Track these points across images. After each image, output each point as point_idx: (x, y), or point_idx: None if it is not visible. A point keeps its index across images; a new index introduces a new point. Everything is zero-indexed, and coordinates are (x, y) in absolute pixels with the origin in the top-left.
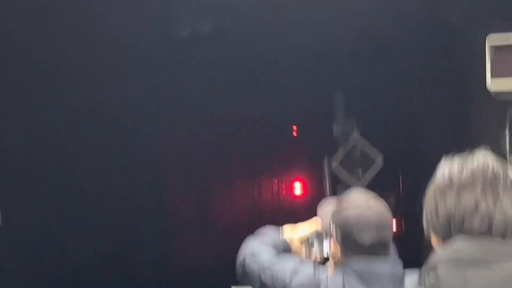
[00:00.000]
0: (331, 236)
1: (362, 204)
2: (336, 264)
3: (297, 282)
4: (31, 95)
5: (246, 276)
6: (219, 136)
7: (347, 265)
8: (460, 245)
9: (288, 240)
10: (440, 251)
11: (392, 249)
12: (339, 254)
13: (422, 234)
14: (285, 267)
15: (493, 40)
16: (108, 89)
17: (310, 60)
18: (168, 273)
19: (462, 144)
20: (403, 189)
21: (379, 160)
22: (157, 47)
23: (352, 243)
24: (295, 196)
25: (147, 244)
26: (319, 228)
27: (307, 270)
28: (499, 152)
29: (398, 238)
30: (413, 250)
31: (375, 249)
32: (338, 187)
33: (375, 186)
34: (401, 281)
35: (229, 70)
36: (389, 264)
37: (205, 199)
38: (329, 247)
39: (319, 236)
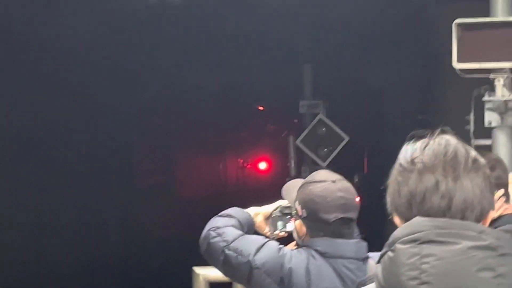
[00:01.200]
0: (296, 213)
1: (328, 182)
2: (300, 241)
3: (260, 257)
4: None
5: (209, 251)
6: (184, 107)
7: (311, 242)
8: (418, 224)
9: (252, 216)
10: (399, 230)
11: (356, 230)
12: (303, 231)
13: (387, 214)
14: (249, 242)
15: (460, 19)
16: (75, 58)
17: (275, 36)
18: (131, 244)
19: (428, 123)
20: (368, 167)
21: (343, 138)
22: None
23: (317, 220)
24: (260, 172)
25: (111, 213)
26: (283, 204)
27: (271, 246)
28: (464, 132)
29: (363, 218)
30: (377, 231)
31: (339, 227)
32: (303, 164)
33: (340, 164)
34: (364, 261)
35: (196, 43)
36: (353, 244)
37: (171, 173)
38: (293, 224)
39: (283, 213)
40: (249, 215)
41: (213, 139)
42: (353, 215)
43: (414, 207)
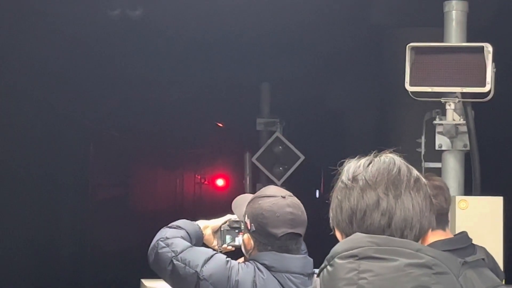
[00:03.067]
0: (246, 227)
1: (278, 197)
2: (248, 255)
3: (208, 269)
4: None
5: (157, 261)
6: (142, 121)
7: (258, 256)
8: (357, 240)
9: (201, 229)
10: (338, 245)
11: (303, 246)
12: (251, 245)
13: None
14: (197, 254)
15: (414, 43)
16: (35, 69)
17: (235, 53)
18: (84, 257)
19: (383, 144)
20: (324, 185)
21: (299, 157)
22: (86, 27)
23: (265, 234)
24: (217, 188)
25: (65, 225)
26: (232, 218)
27: (219, 258)
28: (416, 154)
29: (314, 237)
30: (328, 249)
31: (287, 242)
32: (258, 181)
33: (296, 182)
34: (310, 277)
35: (155, 58)
36: (300, 259)
37: (127, 187)
38: (241, 238)
39: (232, 227)
40: (198, 227)
41: (171, 154)
42: (301, 230)
43: (354, 223)
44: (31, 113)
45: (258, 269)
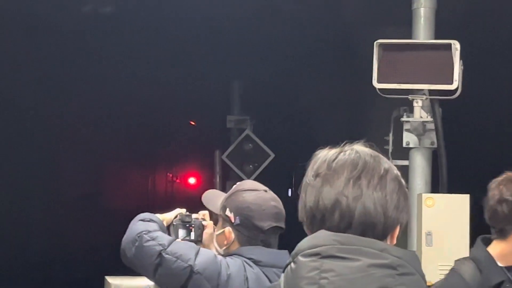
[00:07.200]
0: (228, 220)
1: (260, 191)
2: (224, 249)
3: (201, 263)
4: None
5: (140, 255)
6: (114, 118)
7: (243, 250)
8: (321, 238)
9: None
10: (303, 241)
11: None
12: (231, 238)
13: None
14: (185, 247)
15: (382, 40)
16: (6, 66)
17: (206, 51)
18: (52, 254)
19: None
20: (295, 184)
21: (269, 154)
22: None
23: (251, 227)
24: (189, 186)
25: (34, 222)
26: (182, 212)
27: (207, 252)
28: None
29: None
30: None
31: (270, 236)
32: (228, 179)
33: (266, 181)
34: None
35: (127, 54)
36: (284, 254)
37: (98, 184)
38: (194, 233)
39: (183, 221)
40: (161, 221)
41: (142, 152)
42: (283, 225)
43: (314, 224)
44: None
45: (247, 263)
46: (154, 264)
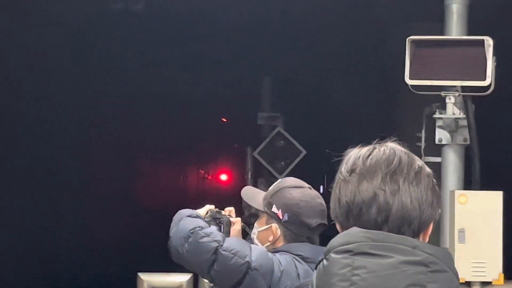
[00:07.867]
0: (276, 217)
1: (306, 188)
2: (269, 245)
3: (258, 259)
4: None
5: (196, 251)
6: (146, 116)
7: (291, 247)
8: (353, 235)
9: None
10: (335, 239)
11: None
12: (277, 234)
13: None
14: (239, 243)
15: (414, 36)
16: (35, 63)
17: (237, 48)
18: (83, 251)
19: (384, 138)
20: (327, 180)
21: (301, 151)
22: (89, 21)
23: (299, 224)
24: (221, 183)
25: (66, 219)
26: (212, 209)
27: (260, 248)
28: (416, 149)
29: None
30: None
31: (315, 233)
32: (260, 176)
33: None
34: None
35: (159, 52)
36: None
37: (130, 181)
38: (225, 229)
39: (214, 217)
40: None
41: (174, 149)
42: (327, 222)
43: (351, 219)
44: (31, 107)
45: (296, 260)
46: (210, 260)
